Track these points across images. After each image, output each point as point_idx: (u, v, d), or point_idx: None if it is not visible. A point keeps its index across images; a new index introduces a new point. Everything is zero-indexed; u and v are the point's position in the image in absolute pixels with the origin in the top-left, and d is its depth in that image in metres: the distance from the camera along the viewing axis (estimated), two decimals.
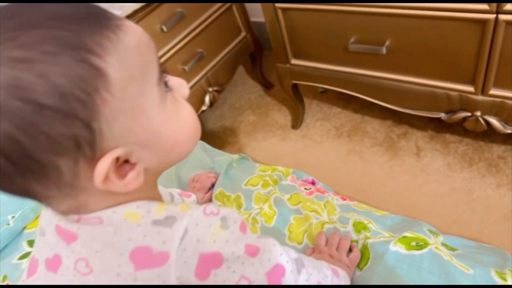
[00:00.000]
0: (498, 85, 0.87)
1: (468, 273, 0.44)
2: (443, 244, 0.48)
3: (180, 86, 0.40)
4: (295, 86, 1.33)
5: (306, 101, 1.49)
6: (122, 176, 0.34)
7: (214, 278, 0.36)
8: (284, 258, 0.41)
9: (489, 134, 1.19)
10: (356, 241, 0.52)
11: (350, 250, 0.52)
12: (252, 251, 0.38)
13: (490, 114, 0.93)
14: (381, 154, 1.27)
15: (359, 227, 0.55)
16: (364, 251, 0.51)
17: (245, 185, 0.70)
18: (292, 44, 1.15)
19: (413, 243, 0.50)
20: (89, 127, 0.30)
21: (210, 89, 1.35)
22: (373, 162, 1.26)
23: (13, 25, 0.28)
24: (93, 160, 0.31)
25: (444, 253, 0.48)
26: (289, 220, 0.58)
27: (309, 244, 0.54)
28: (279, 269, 0.40)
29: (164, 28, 1.11)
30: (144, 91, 0.33)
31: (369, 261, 0.50)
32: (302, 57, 1.17)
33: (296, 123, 1.45)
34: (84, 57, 0.29)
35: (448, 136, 1.24)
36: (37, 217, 0.81)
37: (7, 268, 0.72)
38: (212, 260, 0.35)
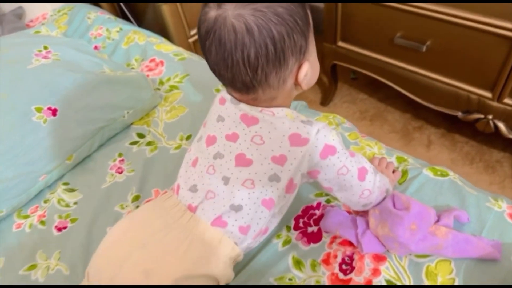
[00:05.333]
0: None
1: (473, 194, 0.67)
2: (459, 178, 0.68)
3: None
4: (334, 67, 1.50)
5: (338, 84, 1.66)
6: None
7: (328, 161, 0.57)
8: (367, 164, 0.61)
9: (492, 140, 1.37)
10: (397, 167, 0.71)
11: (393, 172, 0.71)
12: (351, 153, 0.60)
13: (500, 119, 1.11)
14: (396, 140, 1.45)
15: (400, 159, 0.76)
16: (404, 173, 0.72)
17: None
18: (343, 28, 1.31)
19: (438, 173, 0.71)
20: (306, 42, 0.54)
21: None
22: (388, 145, 1.44)
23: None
24: (299, 64, 0.55)
25: (459, 182, 0.70)
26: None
27: None
28: (365, 169, 0.60)
29: None
30: (311, 36, 0.57)
31: (407, 179, 0.71)
32: (349, 41, 1.33)
33: (325, 101, 1.63)
34: (306, 9, 0.54)
35: (457, 136, 1.42)
36: (142, 117, 1.00)
37: (122, 149, 0.93)
38: (331, 149, 0.56)
